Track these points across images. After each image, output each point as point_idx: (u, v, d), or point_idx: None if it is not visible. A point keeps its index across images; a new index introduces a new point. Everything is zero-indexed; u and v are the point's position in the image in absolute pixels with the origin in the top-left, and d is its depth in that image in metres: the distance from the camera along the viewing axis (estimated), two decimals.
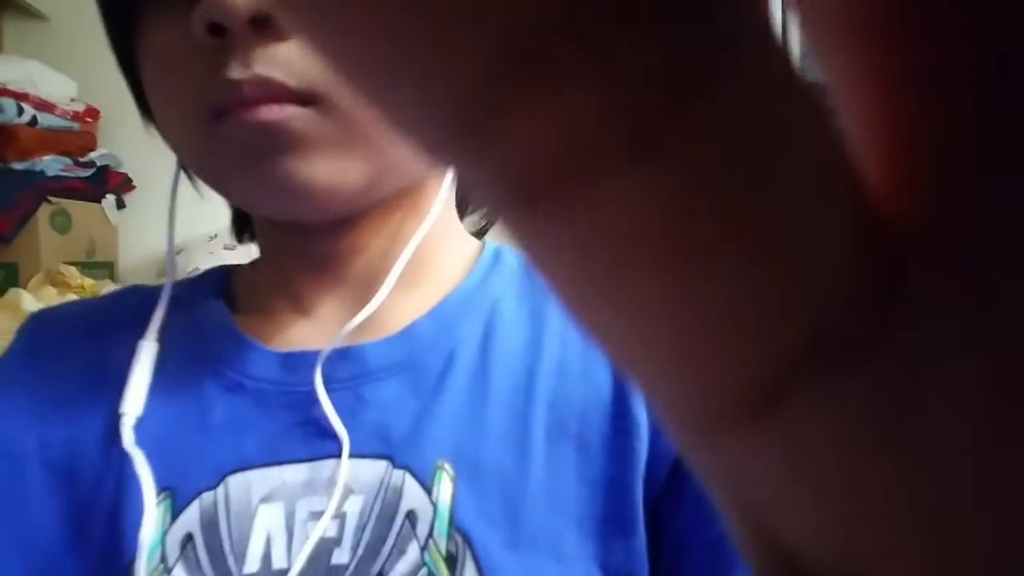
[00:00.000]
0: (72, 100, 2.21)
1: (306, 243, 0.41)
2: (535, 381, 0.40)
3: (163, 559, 0.36)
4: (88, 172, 2.20)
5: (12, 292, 1.76)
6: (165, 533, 0.37)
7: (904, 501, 0.07)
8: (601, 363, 0.40)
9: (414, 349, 0.41)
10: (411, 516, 0.37)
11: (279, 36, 0.33)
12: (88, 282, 1.91)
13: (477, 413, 0.39)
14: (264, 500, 0.37)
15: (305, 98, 0.34)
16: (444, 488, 0.37)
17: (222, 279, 0.47)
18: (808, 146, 0.07)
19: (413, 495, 0.37)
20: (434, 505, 0.37)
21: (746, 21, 0.06)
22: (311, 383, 0.39)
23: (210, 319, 0.43)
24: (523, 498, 0.37)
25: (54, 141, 2.10)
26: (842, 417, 0.07)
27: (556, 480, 0.38)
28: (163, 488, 0.38)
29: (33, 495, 0.40)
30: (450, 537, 0.36)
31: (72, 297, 1.82)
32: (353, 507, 0.37)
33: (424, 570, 0.36)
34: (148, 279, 2.29)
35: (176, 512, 0.37)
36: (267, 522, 0.37)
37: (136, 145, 2.35)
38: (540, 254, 0.07)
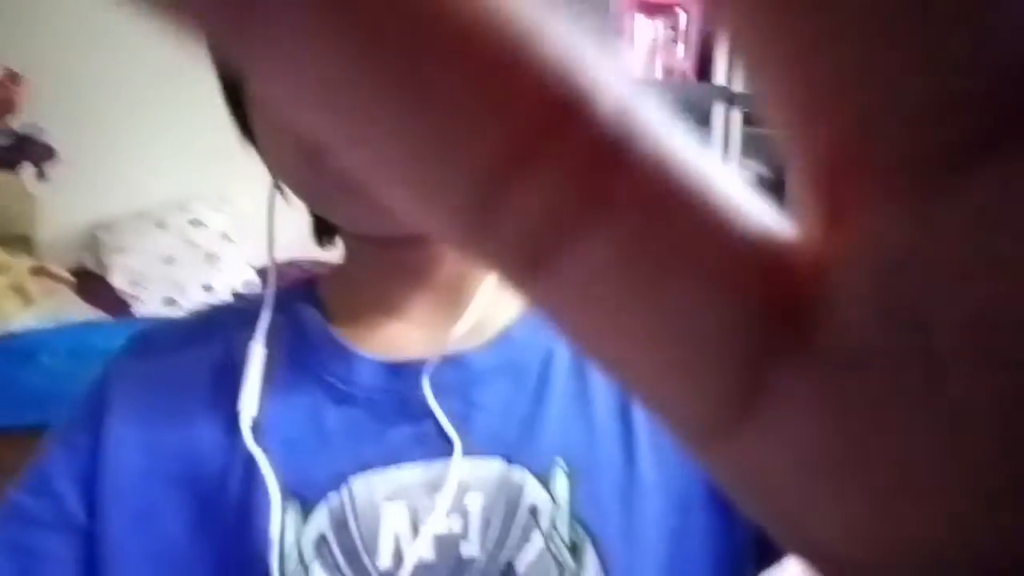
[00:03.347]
0: None
1: (395, 252, 0.44)
2: None
3: (301, 560, 0.40)
4: (7, 140, 2.10)
5: None
6: (299, 536, 0.40)
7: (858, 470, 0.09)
8: None
9: (514, 352, 0.44)
10: (533, 511, 0.40)
11: None
12: (3, 257, 1.82)
13: (582, 411, 0.43)
14: (387, 499, 0.41)
15: None
16: (560, 484, 0.41)
17: (310, 287, 0.49)
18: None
19: (533, 491, 0.41)
20: (554, 500, 0.40)
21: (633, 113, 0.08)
22: (421, 390, 0.42)
23: (310, 326, 0.46)
24: (634, 490, 0.41)
25: None
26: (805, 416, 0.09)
27: (662, 470, 0.41)
28: (292, 493, 0.41)
29: (156, 504, 0.42)
30: (572, 528, 0.40)
31: None
32: (475, 504, 0.41)
33: (549, 557, 0.39)
34: (69, 255, 2.19)
35: (306, 515, 0.41)
36: (393, 520, 0.40)
37: (62, 114, 2.25)
38: (546, 310, 0.09)
